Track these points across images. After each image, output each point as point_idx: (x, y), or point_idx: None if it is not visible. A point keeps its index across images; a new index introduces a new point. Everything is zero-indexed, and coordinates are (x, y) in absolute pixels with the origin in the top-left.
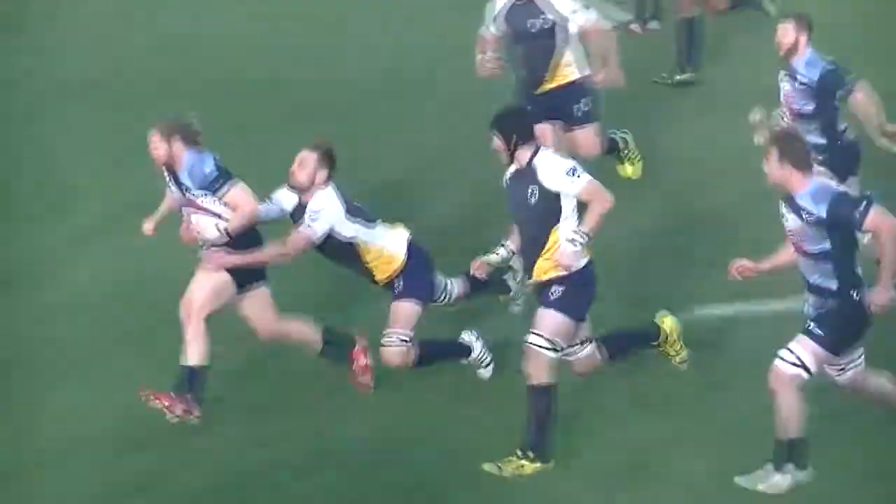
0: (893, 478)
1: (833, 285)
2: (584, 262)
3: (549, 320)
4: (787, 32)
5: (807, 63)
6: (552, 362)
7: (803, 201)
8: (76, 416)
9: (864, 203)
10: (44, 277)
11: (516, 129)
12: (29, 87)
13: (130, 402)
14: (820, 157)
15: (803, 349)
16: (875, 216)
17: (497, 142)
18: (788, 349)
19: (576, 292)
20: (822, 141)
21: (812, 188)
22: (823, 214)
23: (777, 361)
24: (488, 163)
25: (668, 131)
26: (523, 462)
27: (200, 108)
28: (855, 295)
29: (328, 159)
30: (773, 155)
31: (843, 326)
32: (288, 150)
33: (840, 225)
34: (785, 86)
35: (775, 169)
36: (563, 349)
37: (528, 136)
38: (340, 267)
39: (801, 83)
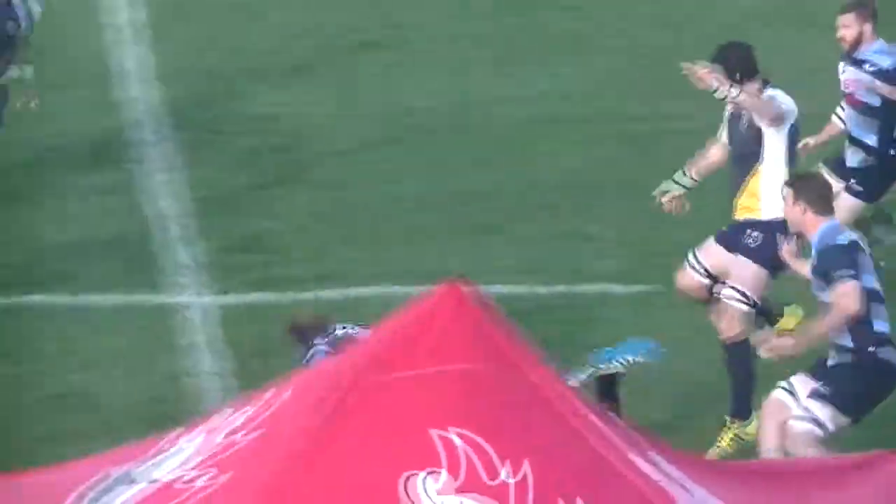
0: None
1: (846, 341)
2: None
3: (745, 271)
4: (849, 25)
5: (877, 51)
6: (744, 316)
7: (814, 245)
8: None
9: (849, 274)
10: None
11: (741, 64)
12: None
13: None
14: (861, 159)
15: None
16: (845, 289)
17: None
18: (802, 407)
19: (773, 241)
20: (873, 144)
21: (821, 231)
22: (816, 261)
23: (791, 422)
24: None
25: None
26: (734, 429)
27: None
28: (872, 349)
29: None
30: (789, 196)
31: (853, 379)
32: None
33: (822, 273)
34: (848, 73)
35: (789, 208)
36: (755, 304)
37: (752, 72)
38: None
39: (870, 71)
